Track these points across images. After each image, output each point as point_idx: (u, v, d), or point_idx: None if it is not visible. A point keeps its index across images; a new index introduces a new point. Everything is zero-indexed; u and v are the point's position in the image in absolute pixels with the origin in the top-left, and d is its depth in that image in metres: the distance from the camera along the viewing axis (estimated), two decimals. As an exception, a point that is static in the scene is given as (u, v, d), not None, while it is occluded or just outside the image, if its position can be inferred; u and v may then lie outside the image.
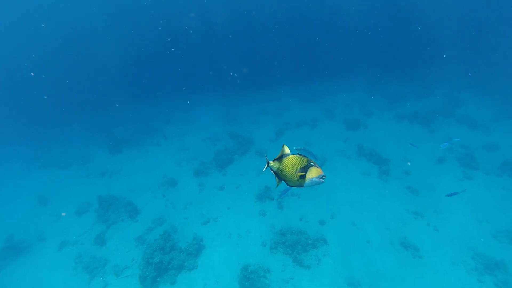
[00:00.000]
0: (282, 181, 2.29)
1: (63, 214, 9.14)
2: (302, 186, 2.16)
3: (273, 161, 2.32)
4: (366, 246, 7.96)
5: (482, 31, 28.11)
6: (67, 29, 35.54)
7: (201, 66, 39.12)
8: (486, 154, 11.46)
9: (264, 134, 15.35)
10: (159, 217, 9.92)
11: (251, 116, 18.38)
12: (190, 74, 36.81)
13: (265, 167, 2.40)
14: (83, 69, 38.92)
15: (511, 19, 27.89)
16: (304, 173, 2.09)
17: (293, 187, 2.32)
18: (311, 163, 2.09)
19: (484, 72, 20.01)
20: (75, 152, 16.96)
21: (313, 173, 2.06)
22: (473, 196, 9.31)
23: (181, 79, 34.52)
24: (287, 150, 2.33)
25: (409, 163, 11.29)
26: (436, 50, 28.14)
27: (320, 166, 2.25)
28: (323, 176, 2.06)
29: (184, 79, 34.45)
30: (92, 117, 24.49)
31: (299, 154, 2.19)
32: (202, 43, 43.87)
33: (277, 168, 2.27)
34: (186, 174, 12.50)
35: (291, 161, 2.17)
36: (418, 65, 25.53)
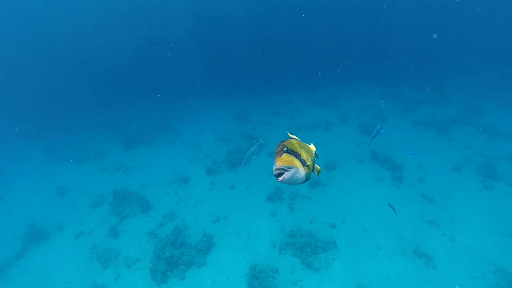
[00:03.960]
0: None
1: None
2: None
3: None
4: (377, 252, 7.83)
5: (502, 40, 27.23)
6: (87, 26, 36.85)
7: (215, 67, 39.63)
8: (509, 165, 11.05)
9: (277, 136, 15.38)
10: (170, 213, 10.10)
11: (264, 118, 18.46)
12: (204, 75, 37.35)
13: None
14: (101, 67, 40.21)
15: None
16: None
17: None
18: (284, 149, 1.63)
19: (506, 81, 19.36)
20: (92, 147, 17.51)
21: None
22: (494, 207, 8.99)
23: (195, 80, 35.06)
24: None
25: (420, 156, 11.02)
26: (455, 57, 27.46)
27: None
28: (276, 168, 1.51)
29: (198, 79, 34.96)
30: (108, 114, 25.25)
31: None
32: (217, 45, 44.43)
33: None
34: (198, 172, 12.68)
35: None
36: (435, 71, 24.96)
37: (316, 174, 2.05)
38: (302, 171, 1.57)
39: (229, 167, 12.55)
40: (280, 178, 1.48)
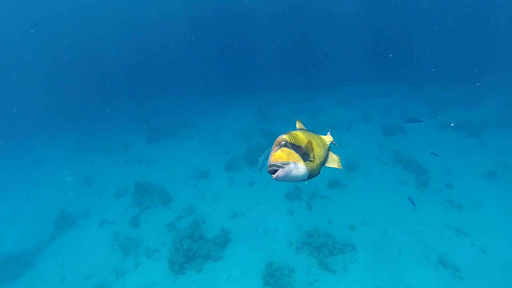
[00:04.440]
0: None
1: None
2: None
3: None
4: (397, 257, 7.53)
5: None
6: (120, 22, 38.32)
7: (237, 64, 39.78)
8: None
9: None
10: (189, 207, 10.31)
11: (285, 116, 18.31)
12: (226, 71, 37.62)
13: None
14: (128, 63, 41.73)
15: None
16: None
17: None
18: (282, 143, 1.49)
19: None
20: (117, 139, 18.25)
21: None
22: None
23: (216, 76, 35.41)
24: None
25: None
26: (491, 55, 25.62)
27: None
28: (270, 165, 1.41)
29: (220, 75, 35.27)
30: (134, 108, 26.20)
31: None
32: (241, 41, 44.50)
33: None
34: (217, 167, 12.83)
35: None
36: (468, 70, 23.43)
37: (337, 165, 1.83)
38: (302, 168, 1.41)
39: (248, 163, 12.59)
40: (273, 176, 1.36)
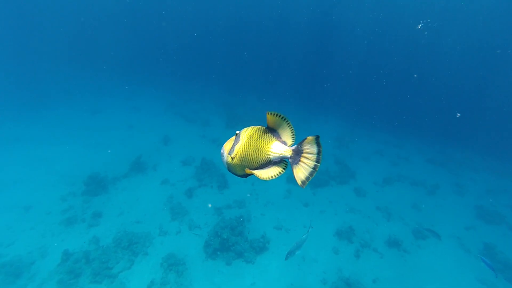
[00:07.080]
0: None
1: (209, 205, 9.76)
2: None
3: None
4: None
5: None
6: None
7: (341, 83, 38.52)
8: None
9: (371, 175, 13.90)
10: (241, 201, 10.45)
11: (364, 151, 16.95)
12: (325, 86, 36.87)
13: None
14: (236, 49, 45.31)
15: None
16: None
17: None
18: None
19: None
20: (201, 113, 19.84)
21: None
22: None
23: (313, 87, 34.94)
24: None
25: None
26: None
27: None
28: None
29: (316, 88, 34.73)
30: (221, 90, 28.04)
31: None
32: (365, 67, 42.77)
33: None
34: (279, 177, 12.67)
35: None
36: None
37: (258, 175, 1.41)
38: (225, 157, 1.54)
39: (312, 184, 12.09)
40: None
